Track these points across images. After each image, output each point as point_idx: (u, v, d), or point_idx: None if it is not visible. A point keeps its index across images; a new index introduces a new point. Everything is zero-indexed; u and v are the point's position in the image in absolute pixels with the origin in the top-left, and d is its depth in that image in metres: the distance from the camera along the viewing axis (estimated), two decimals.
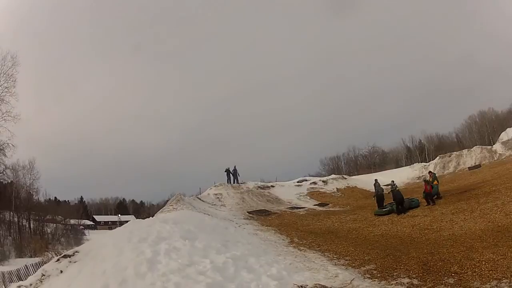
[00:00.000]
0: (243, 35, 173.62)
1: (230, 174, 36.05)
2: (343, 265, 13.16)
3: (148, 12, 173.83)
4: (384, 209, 23.15)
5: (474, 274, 10.30)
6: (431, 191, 23.33)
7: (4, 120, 48.49)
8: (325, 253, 14.93)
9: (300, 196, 37.32)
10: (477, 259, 11.38)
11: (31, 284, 10.82)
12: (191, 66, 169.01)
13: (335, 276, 11.66)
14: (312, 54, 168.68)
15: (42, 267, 12.33)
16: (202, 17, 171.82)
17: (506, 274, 9.72)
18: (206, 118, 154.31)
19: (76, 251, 12.36)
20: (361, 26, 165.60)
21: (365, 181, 42.90)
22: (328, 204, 33.37)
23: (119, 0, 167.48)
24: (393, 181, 28.07)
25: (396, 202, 22.23)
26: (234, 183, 35.76)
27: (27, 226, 63.09)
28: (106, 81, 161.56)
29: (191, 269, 10.83)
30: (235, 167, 36.50)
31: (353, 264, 13.14)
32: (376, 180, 28.43)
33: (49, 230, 65.24)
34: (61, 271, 11.12)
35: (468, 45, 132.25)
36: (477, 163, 41.65)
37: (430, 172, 28.03)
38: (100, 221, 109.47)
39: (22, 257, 44.36)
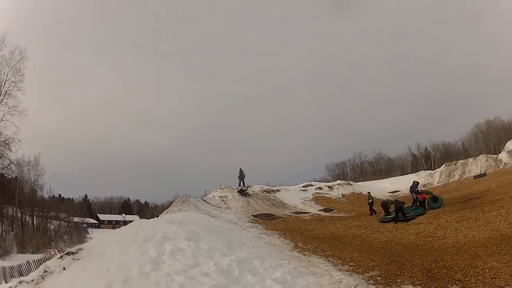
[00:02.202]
0: (250, 38, 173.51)
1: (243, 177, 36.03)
2: (347, 270, 13.17)
3: (151, 12, 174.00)
4: (389, 216, 23.22)
5: (478, 281, 10.39)
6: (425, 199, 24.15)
7: (11, 114, 48.56)
8: (330, 259, 14.92)
9: (305, 201, 37.35)
10: (481, 267, 11.48)
11: (32, 280, 10.70)
12: (198, 67, 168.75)
13: (339, 282, 11.69)
14: (319, 58, 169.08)
15: (44, 263, 12.13)
16: (206, 18, 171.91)
17: (509, 282, 9.84)
18: (212, 120, 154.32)
19: (80, 249, 12.32)
20: (367, 30, 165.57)
21: (371, 188, 42.78)
22: (333, 209, 33.37)
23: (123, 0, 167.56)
24: (369, 193, 30.85)
25: (396, 211, 22.36)
26: (239, 185, 35.62)
27: (30, 222, 63.31)
28: (113, 80, 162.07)
29: (195, 270, 10.81)
30: (240, 169, 36.41)
31: (357, 270, 13.16)
32: (368, 192, 31.43)
33: (52, 227, 65.65)
34: (64, 268, 11.05)
35: (476, 52, 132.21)
36: (482, 172, 41.48)
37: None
38: (104, 220, 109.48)
39: (24, 253, 44.49)
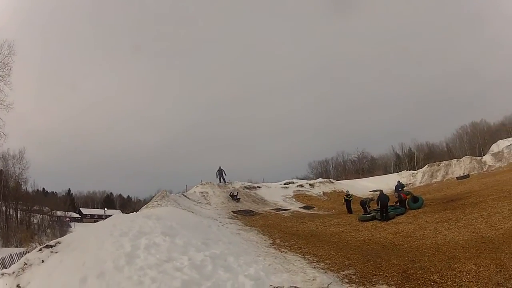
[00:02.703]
0: (239, 37, 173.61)
1: (221, 174, 35.88)
2: (322, 268, 13.03)
3: (149, 12, 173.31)
4: (368, 215, 23.21)
5: (454, 284, 10.17)
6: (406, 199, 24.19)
7: None
8: (306, 256, 14.83)
9: (286, 198, 37.45)
10: (458, 269, 11.27)
11: (13, 272, 10.70)
12: (186, 66, 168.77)
13: (313, 279, 11.56)
14: (305, 63, 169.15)
15: (25, 256, 12.15)
16: (202, 17, 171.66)
17: (488, 286, 9.58)
18: (196, 119, 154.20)
19: (58, 242, 12.25)
20: (351, 35, 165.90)
21: (352, 186, 43.06)
22: (314, 207, 33.39)
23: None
24: (347, 191, 31.35)
25: (381, 206, 22.19)
26: (220, 182, 35.53)
27: (14, 216, 62.75)
28: (100, 79, 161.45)
29: (168, 265, 10.81)
30: (220, 167, 36.29)
31: (333, 268, 13.01)
32: (347, 191, 32.03)
33: (35, 221, 65.24)
34: (43, 261, 11.01)
35: (466, 56, 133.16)
36: (466, 173, 41.79)
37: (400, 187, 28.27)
38: (86, 214, 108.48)
39: (9, 247, 44.12)
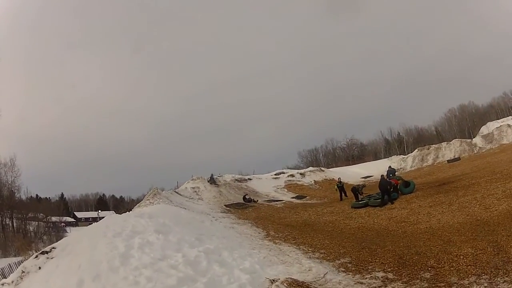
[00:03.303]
0: (222, 24, 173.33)
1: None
2: (317, 258, 13.06)
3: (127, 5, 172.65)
4: (361, 202, 23.21)
5: (452, 268, 10.16)
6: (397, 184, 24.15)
7: None
8: (300, 246, 14.83)
9: (278, 188, 37.58)
10: (455, 253, 11.24)
11: (12, 281, 10.98)
12: (170, 58, 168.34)
13: (309, 270, 11.57)
14: (292, 46, 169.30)
15: (22, 264, 12.51)
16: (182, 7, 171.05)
17: (486, 270, 9.53)
18: (184, 111, 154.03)
19: (53, 247, 12.41)
20: (339, 16, 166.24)
21: (343, 174, 43.12)
22: (306, 196, 33.48)
23: None
24: (339, 178, 31.31)
25: (382, 192, 22.24)
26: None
27: (11, 225, 62.67)
28: (86, 76, 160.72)
29: (163, 263, 10.87)
30: (212, 175, 35.87)
31: (328, 258, 13.04)
32: (339, 178, 32.10)
33: (31, 228, 65.10)
34: (40, 268, 11.20)
35: (452, 35, 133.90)
36: (456, 156, 41.96)
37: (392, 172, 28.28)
38: (81, 218, 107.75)
39: (7, 257, 43.96)
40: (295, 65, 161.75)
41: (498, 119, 61.33)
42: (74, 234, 21.29)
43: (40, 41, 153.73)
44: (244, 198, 30.67)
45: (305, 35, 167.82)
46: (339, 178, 31.88)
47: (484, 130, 52.13)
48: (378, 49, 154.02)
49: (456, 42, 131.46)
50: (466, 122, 77.81)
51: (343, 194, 27.89)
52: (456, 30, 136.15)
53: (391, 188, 22.77)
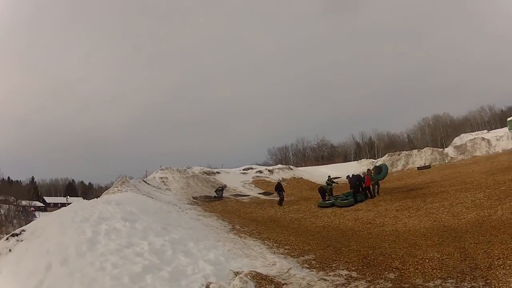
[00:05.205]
0: (208, 19, 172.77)
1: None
2: (282, 253, 13.18)
3: None
4: (327, 201, 23.59)
5: (417, 271, 10.28)
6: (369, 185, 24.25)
7: None
8: (265, 241, 15.02)
9: (245, 184, 38.28)
10: (420, 257, 11.40)
11: None
12: (149, 47, 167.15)
13: (273, 264, 11.68)
14: (269, 46, 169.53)
15: None
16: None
17: (452, 274, 9.65)
18: (157, 102, 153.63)
19: (23, 230, 12.33)
20: (330, 17, 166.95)
21: (311, 173, 43.74)
22: (273, 193, 33.52)
23: None
24: (329, 176, 30.84)
25: (352, 189, 22.79)
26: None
27: None
28: (60, 61, 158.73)
29: (129, 250, 11.05)
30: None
31: (292, 254, 13.17)
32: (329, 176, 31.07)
33: (2, 212, 65.07)
34: (10, 250, 11.09)
35: (439, 46, 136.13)
36: (426, 164, 42.74)
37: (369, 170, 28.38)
38: (50, 203, 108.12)
39: None
40: (277, 65, 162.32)
41: (473, 131, 62.63)
42: (43, 217, 21.20)
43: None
44: (217, 189, 30.69)
45: (296, 34, 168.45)
46: (328, 176, 30.99)
47: (457, 141, 53.21)
48: (360, 52, 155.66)
49: (442, 54, 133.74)
50: (440, 132, 79.40)
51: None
52: (443, 42, 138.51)
53: (362, 183, 23.22)
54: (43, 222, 13.47)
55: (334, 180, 30.39)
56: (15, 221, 61.04)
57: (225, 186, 32.69)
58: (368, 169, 28.92)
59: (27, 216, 68.03)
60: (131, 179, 29.65)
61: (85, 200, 23.65)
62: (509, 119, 57.64)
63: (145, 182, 30.59)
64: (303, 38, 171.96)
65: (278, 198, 27.05)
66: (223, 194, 30.59)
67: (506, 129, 53.73)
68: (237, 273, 10.27)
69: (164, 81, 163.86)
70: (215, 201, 27.84)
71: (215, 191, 30.76)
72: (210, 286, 9.44)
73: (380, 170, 24.94)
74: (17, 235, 11.93)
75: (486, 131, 60.64)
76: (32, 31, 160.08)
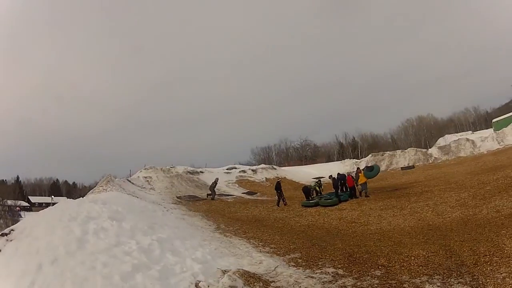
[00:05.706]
0: (191, 17, 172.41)
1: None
2: (268, 252, 13.30)
3: None
4: (311, 201, 23.78)
5: (403, 268, 10.40)
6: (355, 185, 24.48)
7: None
8: (251, 240, 15.14)
9: (229, 183, 38.49)
10: (406, 254, 11.53)
11: None
12: (132, 45, 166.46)
13: (259, 263, 11.83)
14: (252, 44, 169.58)
15: None
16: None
17: (438, 271, 9.78)
18: (141, 102, 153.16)
19: (12, 230, 12.27)
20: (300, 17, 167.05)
21: (295, 173, 43.85)
22: (257, 193, 34.06)
23: None
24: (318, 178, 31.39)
25: (334, 188, 23.05)
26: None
27: None
28: (44, 59, 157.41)
29: (118, 249, 11.10)
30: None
31: (278, 252, 13.28)
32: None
33: None
34: (0, 250, 10.98)
35: (421, 47, 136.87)
36: (410, 164, 43.06)
37: (359, 168, 28.47)
38: (35, 203, 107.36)
39: None
40: (260, 65, 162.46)
41: (457, 132, 63.23)
42: (30, 217, 21.15)
43: None
44: (211, 186, 30.57)
45: (281, 35, 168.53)
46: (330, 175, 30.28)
47: (441, 141, 53.69)
48: (347, 51, 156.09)
49: (425, 55, 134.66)
50: (424, 132, 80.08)
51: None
52: (428, 43, 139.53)
53: (343, 181, 23.49)
54: (31, 222, 13.42)
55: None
56: (1, 221, 60.63)
57: (217, 179, 32.27)
58: (358, 168, 29.12)
59: (13, 216, 67.28)
60: (115, 178, 29.67)
61: (71, 199, 23.57)
62: (494, 120, 58.36)
63: (130, 181, 30.71)
64: (287, 39, 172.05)
65: (261, 198, 26.91)
66: (216, 193, 30.42)
67: (491, 130, 54.38)
68: (225, 271, 10.40)
69: (144, 80, 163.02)
70: (200, 200, 27.75)
71: (209, 188, 30.57)
72: (199, 284, 9.55)
73: (372, 168, 25.15)
74: (6, 234, 11.87)
75: (470, 132, 61.30)
76: None
